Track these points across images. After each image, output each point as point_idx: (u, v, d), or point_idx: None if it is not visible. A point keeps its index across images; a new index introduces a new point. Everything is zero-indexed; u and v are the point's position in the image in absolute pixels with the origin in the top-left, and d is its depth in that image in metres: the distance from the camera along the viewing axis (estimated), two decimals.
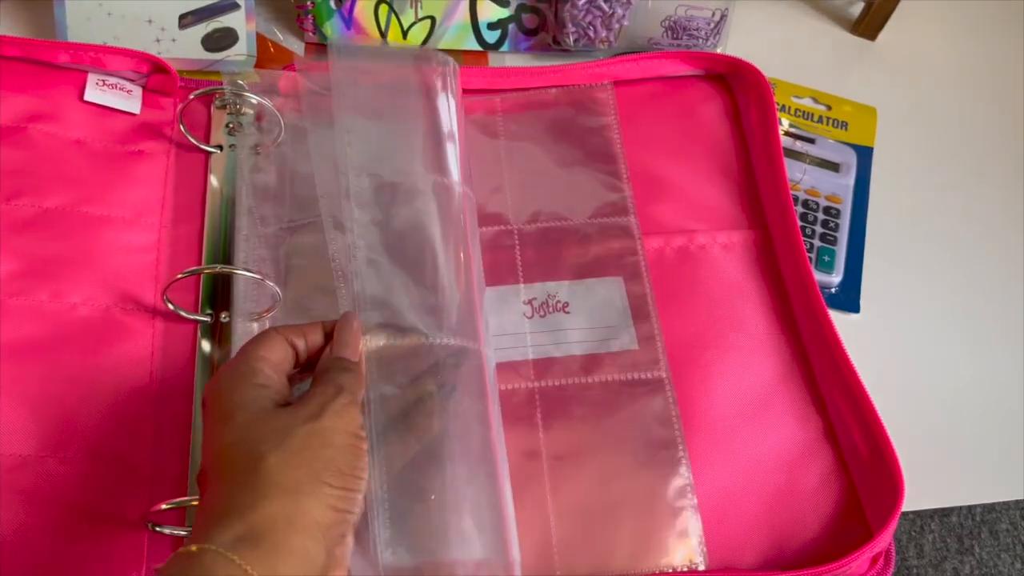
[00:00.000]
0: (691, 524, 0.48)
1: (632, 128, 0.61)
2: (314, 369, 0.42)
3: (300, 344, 0.42)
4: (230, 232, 0.53)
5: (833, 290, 0.60)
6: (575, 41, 0.65)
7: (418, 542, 0.41)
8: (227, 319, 0.51)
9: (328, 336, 0.43)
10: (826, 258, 0.60)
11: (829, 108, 0.68)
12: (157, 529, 0.45)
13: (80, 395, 0.47)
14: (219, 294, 0.52)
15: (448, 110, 0.54)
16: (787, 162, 0.60)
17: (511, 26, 0.65)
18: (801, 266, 0.55)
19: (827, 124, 0.67)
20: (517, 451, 0.49)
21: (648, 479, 0.49)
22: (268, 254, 0.52)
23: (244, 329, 0.50)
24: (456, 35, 0.65)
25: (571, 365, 0.53)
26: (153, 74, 0.57)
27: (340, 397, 0.39)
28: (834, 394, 0.52)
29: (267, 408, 0.38)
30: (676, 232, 0.58)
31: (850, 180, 0.64)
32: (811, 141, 0.65)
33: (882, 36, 0.72)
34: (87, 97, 0.56)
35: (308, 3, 0.62)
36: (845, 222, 0.62)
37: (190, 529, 0.45)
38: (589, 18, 0.63)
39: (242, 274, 0.50)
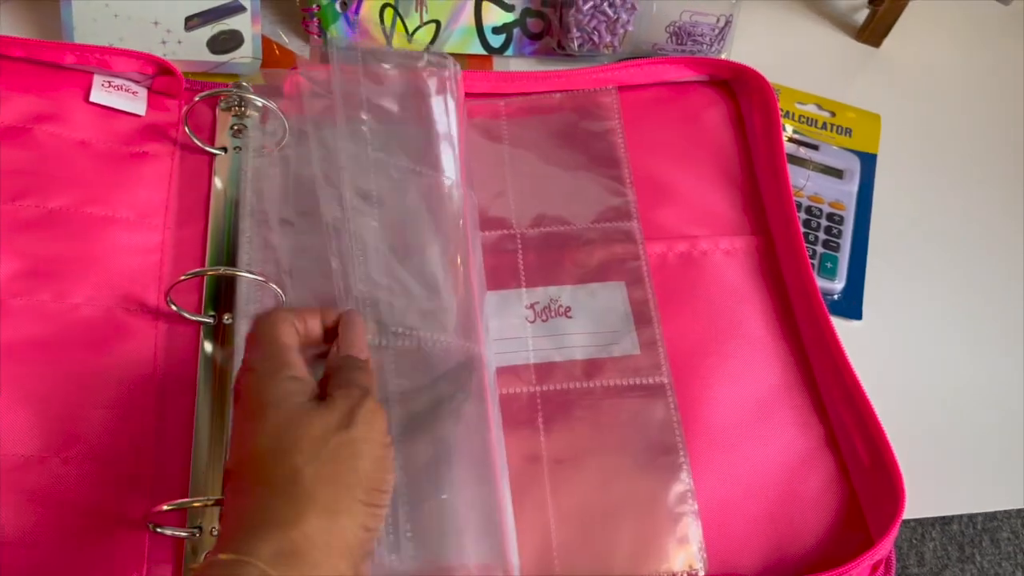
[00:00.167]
0: (691, 530, 0.48)
1: (636, 133, 0.61)
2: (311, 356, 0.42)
3: (301, 328, 0.42)
4: (234, 234, 0.53)
5: (836, 297, 0.60)
6: (579, 46, 0.65)
7: (419, 545, 0.41)
8: (230, 321, 0.51)
9: (328, 330, 0.43)
10: (829, 265, 0.60)
11: (833, 114, 0.68)
12: (158, 530, 0.44)
13: (82, 395, 0.47)
14: (222, 296, 0.52)
15: (449, 112, 0.55)
16: (790, 168, 0.60)
17: (516, 30, 0.65)
18: (804, 272, 0.55)
19: (831, 130, 0.67)
20: (518, 455, 0.49)
21: (649, 484, 0.49)
22: (271, 256, 0.52)
23: (247, 331, 0.50)
24: (461, 39, 0.65)
25: (573, 369, 0.53)
26: (159, 76, 0.57)
27: (367, 401, 0.39)
28: (836, 401, 0.52)
29: (300, 406, 0.38)
30: (679, 237, 0.58)
31: (854, 187, 0.64)
32: (815, 147, 0.65)
33: (887, 43, 0.72)
34: (92, 98, 0.56)
35: (314, 6, 0.62)
36: (848, 229, 0.62)
37: (191, 530, 0.45)
38: (594, 23, 0.64)
39: (245, 276, 0.51)
